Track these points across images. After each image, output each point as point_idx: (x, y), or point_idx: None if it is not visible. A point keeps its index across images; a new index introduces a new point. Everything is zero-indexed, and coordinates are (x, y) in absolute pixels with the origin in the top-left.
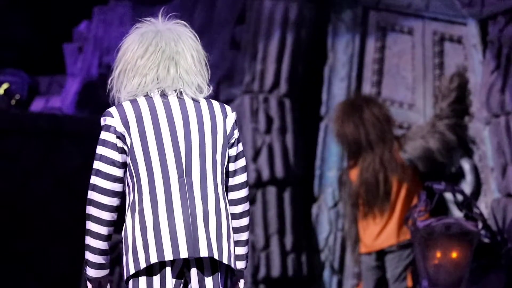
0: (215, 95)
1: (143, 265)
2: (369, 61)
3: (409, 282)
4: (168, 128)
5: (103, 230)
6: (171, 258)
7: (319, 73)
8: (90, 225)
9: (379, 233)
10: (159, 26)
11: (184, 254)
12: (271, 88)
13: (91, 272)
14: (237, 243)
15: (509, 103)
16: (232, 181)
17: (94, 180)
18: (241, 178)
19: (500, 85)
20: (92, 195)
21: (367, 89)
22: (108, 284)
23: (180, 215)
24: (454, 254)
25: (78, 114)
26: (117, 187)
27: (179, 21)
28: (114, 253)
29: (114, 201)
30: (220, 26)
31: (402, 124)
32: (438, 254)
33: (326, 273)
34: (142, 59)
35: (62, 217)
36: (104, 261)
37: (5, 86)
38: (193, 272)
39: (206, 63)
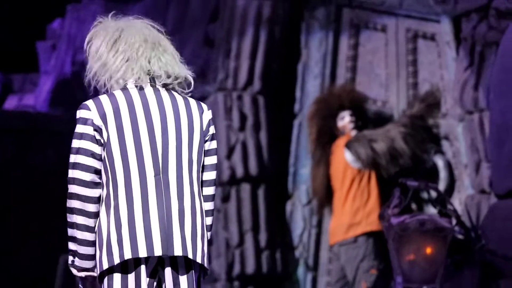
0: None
1: (117, 260)
2: (343, 58)
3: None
4: (145, 124)
5: (89, 222)
6: (145, 255)
7: (293, 70)
8: (76, 218)
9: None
10: (123, 23)
11: (158, 251)
12: (244, 86)
13: (83, 263)
14: None
15: (482, 100)
16: (203, 177)
17: (73, 173)
18: (211, 175)
19: (473, 82)
20: (73, 188)
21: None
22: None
23: (156, 213)
24: (428, 250)
25: (51, 112)
26: (97, 178)
27: (138, 16)
28: None
29: (96, 192)
30: (193, 23)
31: (376, 121)
32: (412, 251)
33: (301, 270)
34: (110, 55)
35: (36, 216)
36: (92, 252)
37: None
38: (167, 270)
39: (180, 58)
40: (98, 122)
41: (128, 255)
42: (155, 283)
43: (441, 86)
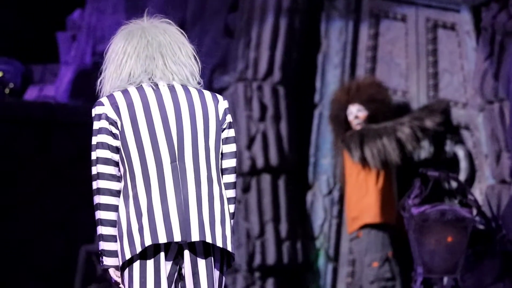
0: (209, 83)
1: (138, 249)
2: (363, 48)
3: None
4: (159, 115)
5: (113, 215)
6: (165, 241)
7: (313, 60)
8: (103, 214)
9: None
10: (144, 24)
11: (177, 237)
12: (265, 76)
13: (111, 261)
14: None
15: (502, 90)
16: (222, 165)
17: (98, 168)
18: (231, 162)
19: (493, 71)
20: (99, 183)
21: (361, 76)
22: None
23: (173, 199)
24: (449, 241)
25: (71, 103)
26: (118, 171)
27: (164, 19)
28: None
29: (120, 186)
30: (213, 13)
31: (396, 111)
32: (433, 241)
33: (321, 261)
34: (129, 54)
35: (55, 207)
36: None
37: None
38: (186, 256)
39: (194, 56)
40: (113, 115)
41: (148, 241)
42: (175, 272)
43: (461, 76)
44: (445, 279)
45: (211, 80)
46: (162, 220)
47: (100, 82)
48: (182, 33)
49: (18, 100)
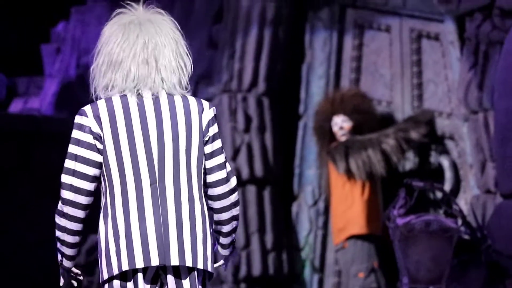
0: (193, 94)
1: (115, 271)
2: (347, 58)
3: None
4: (141, 131)
5: (79, 226)
6: (142, 266)
7: (297, 71)
8: (67, 224)
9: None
10: (140, 17)
11: (155, 261)
12: (249, 87)
13: (68, 263)
14: (218, 233)
15: (487, 100)
16: (209, 179)
17: (72, 180)
18: (218, 175)
19: (477, 82)
20: (68, 194)
21: (345, 86)
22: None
23: (152, 222)
24: (434, 251)
25: (56, 115)
26: (93, 187)
27: (158, 10)
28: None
29: (89, 200)
30: (197, 25)
31: (380, 122)
32: (418, 251)
33: (307, 272)
34: (125, 54)
35: (41, 220)
36: (75, 254)
37: None
38: (169, 276)
39: (187, 54)
40: (96, 129)
41: (125, 266)
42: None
43: (446, 86)
44: None
45: (196, 91)
46: (140, 244)
47: (93, 70)
48: (177, 27)
49: (3, 113)
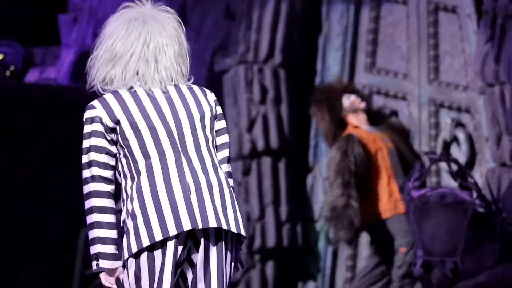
0: (209, 66)
1: (146, 242)
2: (364, 31)
3: None
4: (155, 111)
5: (110, 218)
6: (175, 233)
7: (314, 43)
8: (97, 217)
9: None
10: (146, 14)
11: (187, 226)
12: (265, 58)
13: (107, 264)
14: None
15: (503, 73)
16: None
17: (91, 171)
18: (223, 153)
19: (494, 55)
20: (92, 186)
21: (362, 59)
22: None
23: (179, 189)
24: (449, 224)
25: (73, 85)
26: (112, 174)
27: (166, 8)
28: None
29: (112, 189)
30: None
31: (397, 94)
32: (433, 224)
33: (321, 243)
34: (125, 51)
35: (56, 189)
36: (116, 251)
37: None
38: (199, 243)
39: (187, 55)
40: (106, 119)
41: (158, 236)
42: (185, 255)
43: (462, 59)
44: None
45: (212, 62)
46: (170, 212)
47: (91, 61)
48: (180, 24)
49: (19, 83)
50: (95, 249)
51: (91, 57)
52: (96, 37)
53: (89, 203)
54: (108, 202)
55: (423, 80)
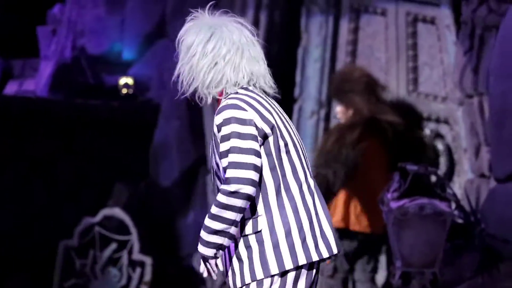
0: None
1: (302, 261)
2: (343, 42)
3: None
4: (282, 123)
5: (239, 217)
6: (327, 255)
7: (293, 55)
8: (237, 216)
9: None
10: (220, 20)
11: (335, 250)
12: None
13: (219, 254)
14: None
15: (482, 84)
16: None
17: (247, 174)
18: None
19: (473, 65)
20: (245, 189)
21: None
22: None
23: (322, 212)
24: (427, 235)
25: (52, 97)
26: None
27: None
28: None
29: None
30: (194, 7)
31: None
32: (412, 235)
33: None
34: (232, 51)
35: (35, 202)
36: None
37: None
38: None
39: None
40: (259, 122)
41: (315, 256)
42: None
43: (441, 70)
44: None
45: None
46: (321, 234)
47: (191, 71)
48: (254, 35)
49: None
50: (221, 241)
51: (184, 68)
52: (74, 50)
53: (234, 202)
54: (247, 204)
55: (401, 91)
